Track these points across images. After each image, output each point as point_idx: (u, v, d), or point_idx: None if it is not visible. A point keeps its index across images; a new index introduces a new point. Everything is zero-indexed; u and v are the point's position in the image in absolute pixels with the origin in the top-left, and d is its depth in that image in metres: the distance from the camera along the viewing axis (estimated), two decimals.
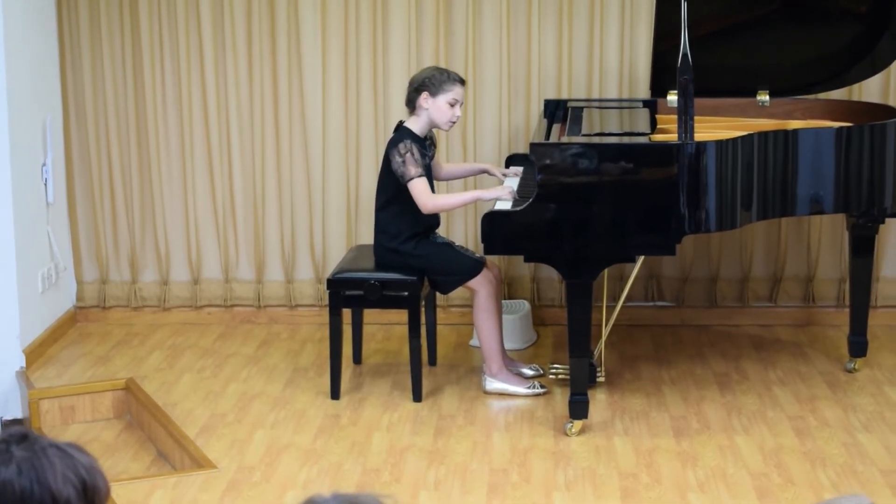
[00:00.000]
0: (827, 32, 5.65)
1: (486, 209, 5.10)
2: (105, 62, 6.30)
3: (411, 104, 5.36)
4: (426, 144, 5.37)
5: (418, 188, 5.23)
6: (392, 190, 5.32)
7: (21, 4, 5.78)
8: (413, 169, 5.22)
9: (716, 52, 5.53)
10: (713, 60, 5.43)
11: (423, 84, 5.30)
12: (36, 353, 5.89)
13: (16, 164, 5.67)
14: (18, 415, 5.63)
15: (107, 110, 6.34)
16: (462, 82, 5.36)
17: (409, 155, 5.22)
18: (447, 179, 5.84)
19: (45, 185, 6.08)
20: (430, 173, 5.35)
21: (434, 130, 5.46)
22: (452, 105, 5.31)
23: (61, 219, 6.34)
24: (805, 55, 5.67)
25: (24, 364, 5.74)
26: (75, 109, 6.36)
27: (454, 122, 5.38)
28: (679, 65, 4.81)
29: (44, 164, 6.06)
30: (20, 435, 1.89)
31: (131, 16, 6.26)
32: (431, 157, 5.43)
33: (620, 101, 6.09)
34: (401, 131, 5.34)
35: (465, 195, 5.45)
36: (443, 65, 5.99)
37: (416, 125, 5.34)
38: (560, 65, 6.19)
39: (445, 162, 6.05)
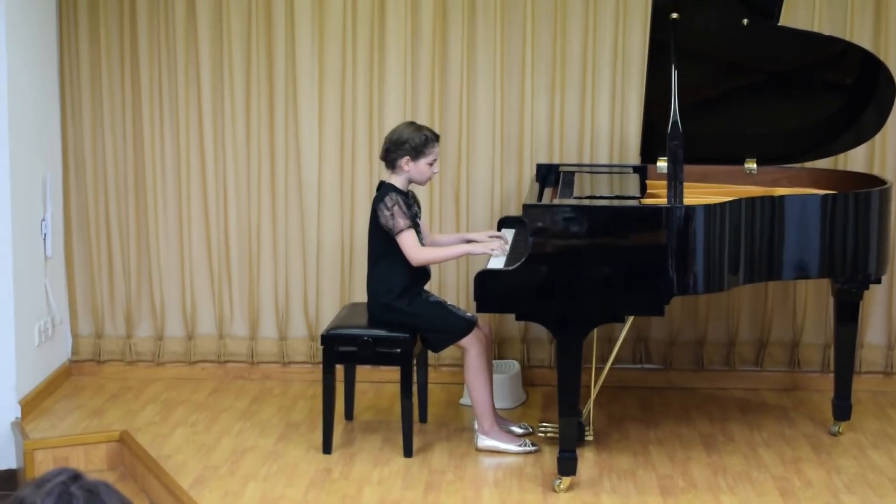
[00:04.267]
0: (813, 104, 5.76)
1: (478, 268, 5.20)
2: (105, 120, 6.41)
3: (391, 164, 5.47)
4: (410, 200, 5.49)
5: (408, 241, 5.34)
6: (382, 246, 5.43)
7: (24, 63, 5.91)
8: (402, 221, 5.33)
9: (705, 120, 5.65)
10: (702, 129, 5.55)
11: (404, 149, 5.41)
12: (31, 405, 5.95)
13: (16, 218, 5.78)
14: (13, 465, 5.68)
15: (106, 167, 6.45)
16: (437, 138, 5.49)
17: (396, 207, 5.34)
18: None
19: (44, 239, 6.17)
20: (417, 227, 5.46)
21: (413, 187, 5.58)
22: (431, 164, 5.45)
23: (59, 273, 6.43)
24: (792, 125, 5.79)
25: (19, 415, 5.80)
26: (75, 166, 6.47)
27: (431, 178, 5.54)
28: (669, 131, 4.94)
29: (43, 219, 6.16)
30: (72, 474, 1.95)
31: (132, 74, 6.39)
32: (417, 214, 5.54)
33: (611, 166, 6.22)
34: (385, 188, 5.46)
35: (455, 249, 5.54)
36: (437, 128, 6.09)
37: (397, 181, 5.46)
38: (552, 130, 6.32)
39: (437, 233, 6.14)
